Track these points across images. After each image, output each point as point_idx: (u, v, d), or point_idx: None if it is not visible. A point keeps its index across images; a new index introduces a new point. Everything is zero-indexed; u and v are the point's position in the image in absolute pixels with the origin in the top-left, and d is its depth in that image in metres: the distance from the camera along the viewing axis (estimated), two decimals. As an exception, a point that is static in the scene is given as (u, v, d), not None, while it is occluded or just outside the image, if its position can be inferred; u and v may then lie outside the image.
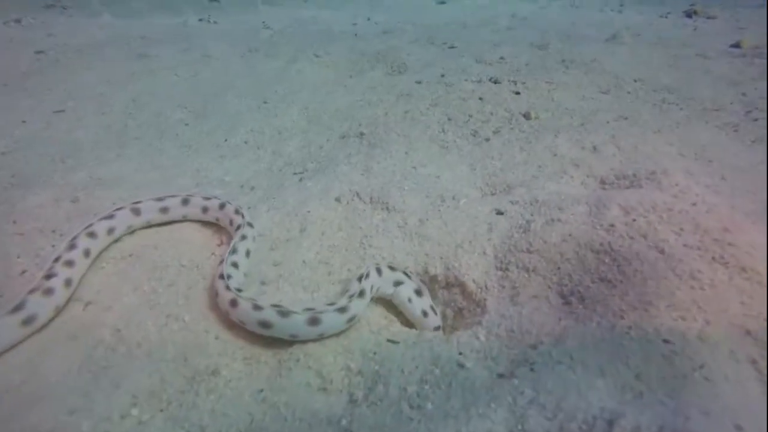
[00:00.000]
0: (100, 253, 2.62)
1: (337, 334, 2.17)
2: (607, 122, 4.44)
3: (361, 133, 4.36)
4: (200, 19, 10.75)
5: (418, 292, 2.49)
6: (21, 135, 4.43)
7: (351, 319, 2.19)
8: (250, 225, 2.69)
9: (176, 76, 6.43)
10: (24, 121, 4.77)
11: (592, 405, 1.60)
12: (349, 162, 3.70)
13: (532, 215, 2.83)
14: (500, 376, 1.89)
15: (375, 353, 2.08)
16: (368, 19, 10.76)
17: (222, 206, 2.83)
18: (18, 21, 8.95)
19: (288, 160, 4.13)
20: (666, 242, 2.34)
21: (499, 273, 2.54)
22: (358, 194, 3.14)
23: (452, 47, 7.48)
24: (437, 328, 2.44)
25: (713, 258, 2.21)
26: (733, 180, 3.41)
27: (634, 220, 2.51)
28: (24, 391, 1.90)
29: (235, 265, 2.42)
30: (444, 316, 2.55)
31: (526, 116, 4.70)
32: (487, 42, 7.66)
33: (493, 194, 3.51)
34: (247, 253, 2.58)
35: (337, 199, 3.11)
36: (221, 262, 2.43)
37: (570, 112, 4.77)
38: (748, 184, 3.35)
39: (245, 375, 2.02)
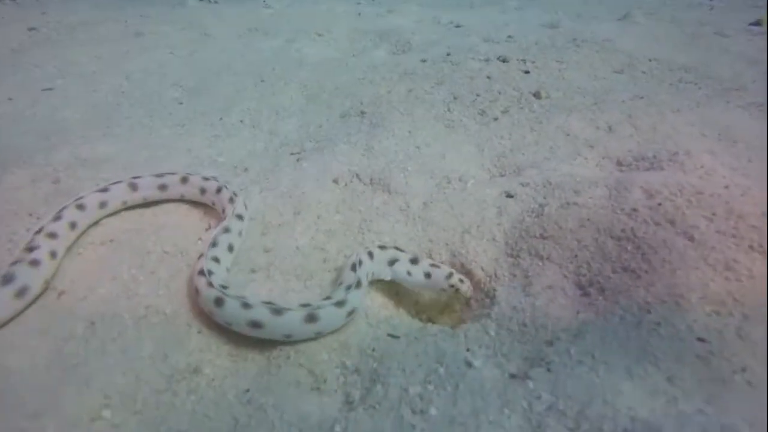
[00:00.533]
0: (89, 227, 2.44)
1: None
2: (623, 102, 4.18)
3: (362, 112, 4.13)
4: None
5: (414, 261, 2.32)
6: (5, 112, 4.22)
7: (350, 313, 1.99)
8: (240, 217, 2.45)
9: (172, 54, 6.19)
10: (10, 99, 4.56)
11: (620, 413, 1.40)
12: (349, 141, 3.47)
13: (545, 198, 2.61)
14: (513, 376, 1.69)
15: (374, 349, 1.89)
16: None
17: (219, 190, 2.62)
18: (13, -1, 8.70)
19: (285, 139, 3.91)
20: (696, 229, 2.12)
21: (510, 260, 2.33)
22: (357, 175, 2.92)
23: (459, 26, 7.20)
24: (449, 275, 2.27)
25: (751, 246, 1.99)
26: (762, 162, 3.18)
27: (659, 204, 2.29)
28: (-16, 391, 1.72)
29: (216, 259, 2.19)
30: (450, 310, 2.34)
31: (536, 95, 4.45)
32: (495, 21, 7.38)
33: (502, 176, 3.28)
34: (230, 248, 2.33)
35: (335, 181, 2.90)
36: (200, 256, 2.21)
37: (582, 92, 4.52)
38: (779, 167, 3.11)
39: (230, 373, 1.82)
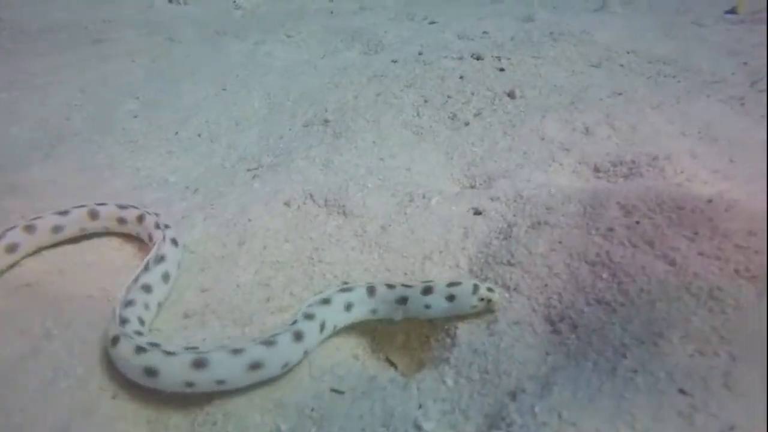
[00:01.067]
0: None
1: (268, 380, 1.73)
2: (600, 99, 3.97)
3: (326, 120, 3.89)
4: (170, 1, 10.13)
5: (427, 290, 1.99)
6: (-56, 132, 3.94)
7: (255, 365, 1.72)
8: (174, 242, 2.20)
9: (133, 62, 5.90)
10: (-47, 117, 4.27)
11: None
12: (308, 156, 3.23)
13: (515, 216, 2.39)
14: (471, 440, 1.47)
15: (313, 409, 1.65)
16: (346, -5, 10.15)
17: (141, 218, 2.36)
18: (-32, 5, 8.33)
19: (243, 153, 3.67)
20: (677, 251, 1.90)
21: (475, 291, 2.09)
22: (311, 196, 2.67)
23: (433, 23, 6.96)
24: (475, 288, 1.96)
25: (737, 271, 1.77)
26: (744, 162, 2.98)
27: (637, 222, 2.07)
28: None
29: (131, 303, 1.94)
30: (407, 348, 2.09)
31: (511, 95, 4.22)
32: (470, 16, 7.13)
33: (472, 187, 3.06)
34: (146, 289, 2.06)
35: (287, 203, 2.65)
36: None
37: (559, 90, 4.29)
38: (760, 166, 2.92)
39: (146, 446, 1.59)
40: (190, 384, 1.66)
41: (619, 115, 3.64)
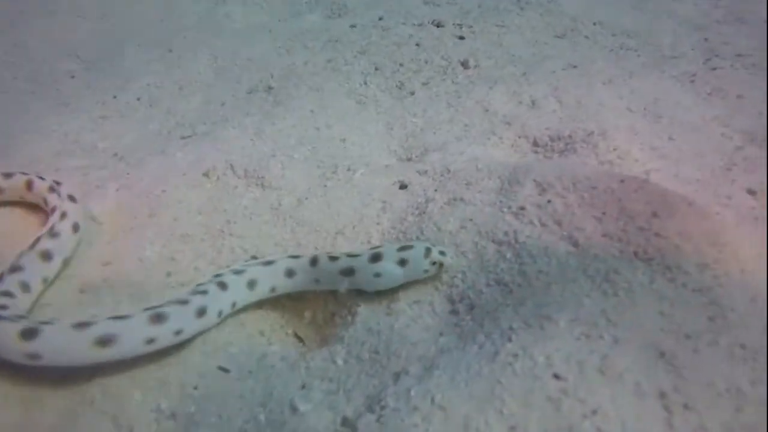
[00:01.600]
0: None
1: (156, 357, 1.68)
2: (553, 72, 3.88)
3: (270, 87, 3.76)
4: (131, -45, 9.66)
5: (376, 257, 1.90)
6: None
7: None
8: (71, 198, 2.08)
9: (79, 17, 5.60)
10: None
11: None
12: (241, 124, 3.12)
13: (435, 191, 2.34)
14: (345, 422, 1.45)
15: (196, 387, 1.61)
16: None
17: (29, 184, 2.23)
18: None
19: (181, 120, 3.54)
20: (582, 232, 1.87)
21: (385, 267, 2.05)
22: (232, 167, 2.59)
23: (400, -15, 6.73)
24: (427, 251, 1.88)
25: (635, 253, 1.75)
26: (683, 140, 2.95)
27: (549, 201, 2.03)
28: None
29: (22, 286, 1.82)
30: (315, 323, 2.05)
31: (464, 65, 4.12)
32: (440, -21, 6.91)
33: (408, 159, 2.99)
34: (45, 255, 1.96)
35: (206, 174, 2.56)
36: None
37: (515, 60, 4.20)
38: (699, 145, 2.90)
39: (18, 428, 1.54)
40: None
41: (569, 89, 3.56)
